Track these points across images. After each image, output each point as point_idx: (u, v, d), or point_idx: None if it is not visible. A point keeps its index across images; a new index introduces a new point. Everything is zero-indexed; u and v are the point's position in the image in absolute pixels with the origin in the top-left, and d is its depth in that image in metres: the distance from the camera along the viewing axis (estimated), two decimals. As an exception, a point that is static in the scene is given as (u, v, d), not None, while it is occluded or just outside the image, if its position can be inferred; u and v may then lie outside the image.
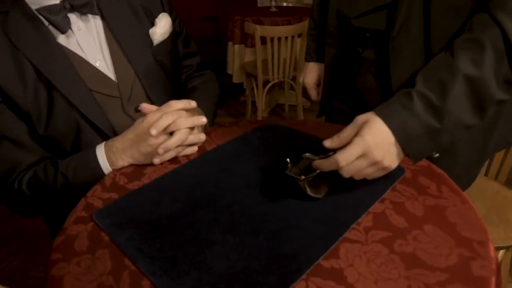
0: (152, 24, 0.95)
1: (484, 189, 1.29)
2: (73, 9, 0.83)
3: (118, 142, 0.80)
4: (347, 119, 1.00)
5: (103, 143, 0.82)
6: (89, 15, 0.86)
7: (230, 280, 0.51)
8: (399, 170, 0.70)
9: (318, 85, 1.16)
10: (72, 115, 0.83)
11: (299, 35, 2.68)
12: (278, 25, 2.76)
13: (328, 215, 0.62)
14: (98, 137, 0.86)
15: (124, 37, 0.89)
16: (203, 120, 0.80)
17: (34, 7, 0.80)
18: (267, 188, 0.70)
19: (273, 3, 3.19)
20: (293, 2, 3.71)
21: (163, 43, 0.96)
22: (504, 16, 0.63)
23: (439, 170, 0.73)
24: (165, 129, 0.77)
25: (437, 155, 0.75)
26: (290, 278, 0.50)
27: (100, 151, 0.81)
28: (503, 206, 1.21)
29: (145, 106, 0.80)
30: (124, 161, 0.80)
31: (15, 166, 0.81)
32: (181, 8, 0.99)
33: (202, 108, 0.94)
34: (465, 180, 0.92)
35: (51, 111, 0.82)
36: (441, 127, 0.64)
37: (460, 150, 0.85)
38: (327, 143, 0.65)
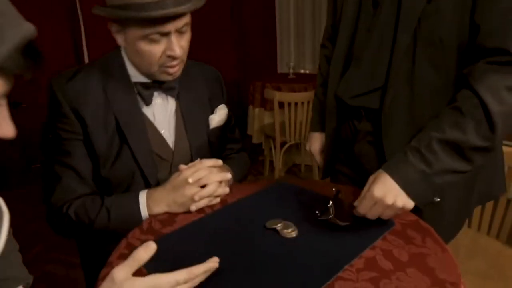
0: (212, 111, 1.16)
1: (486, 248, 1.37)
2: (159, 88, 1.03)
3: (157, 192, 0.97)
4: (349, 179, 1.16)
5: (146, 190, 0.98)
6: (169, 96, 1.07)
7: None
8: (390, 223, 0.84)
9: (323, 151, 1.32)
10: (132, 166, 1.01)
11: (315, 101, 2.90)
12: (295, 91, 3.00)
13: (327, 258, 0.74)
14: (145, 188, 1.03)
15: (189, 118, 1.10)
16: (229, 175, 0.97)
17: (133, 79, 1.01)
18: (275, 236, 0.83)
19: (291, 71, 3.47)
20: (309, 70, 4.01)
21: (217, 128, 1.17)
22: (483, 89, 0.80)
23: (425, 225, 0.86)
24: (198, 180, 0.93)
25: (438, 199, 0.89)
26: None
27: (142, 197, 0.96)
28: (504, 264, 1.29)
29: (182, 166, 0.98)
30: (160, 208, 0.96)
31: (71, 193, 0.96)
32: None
33: (233, 171, 1.10)
34: (450, 231, 1.04)
35: (117, 159, 1.00)
36: (431, 171, 0.81)
37: (446, 204, 0.97)
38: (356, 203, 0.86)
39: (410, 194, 0.81)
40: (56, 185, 0.96)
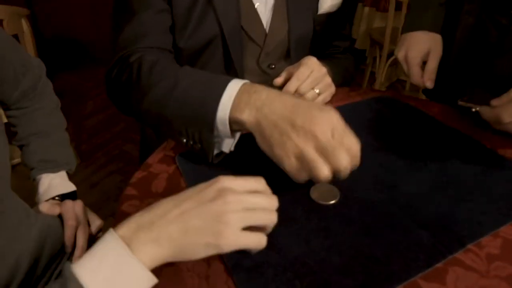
0: None
1: None
2: None
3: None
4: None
5: (245, 81, 0.58)
6: None
7: (305, 267, 0.43)
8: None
9: (423, 61, 0.86)
10: (215, 39, 0.82)
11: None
12: (420, -11, 2.43)
13: (443, 224, 0.49)
14: (224, 70, 0.85)
15: None
16: None
17: None
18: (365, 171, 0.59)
19: (420, -35, 2.82)
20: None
21: (327, 15, 0.90)
22: None
23: None
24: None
25: None
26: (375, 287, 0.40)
27: (236, 85, 0.57)
28: None
29: (278, 80, 0.76)
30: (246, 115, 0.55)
31: (144, 38, 0.73)
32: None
33: (332, 73, 0.83)
34: None
35: (198, 28, 0.80)
36: None
37: None
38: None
39: None
40: (130, 21, 0.74)
